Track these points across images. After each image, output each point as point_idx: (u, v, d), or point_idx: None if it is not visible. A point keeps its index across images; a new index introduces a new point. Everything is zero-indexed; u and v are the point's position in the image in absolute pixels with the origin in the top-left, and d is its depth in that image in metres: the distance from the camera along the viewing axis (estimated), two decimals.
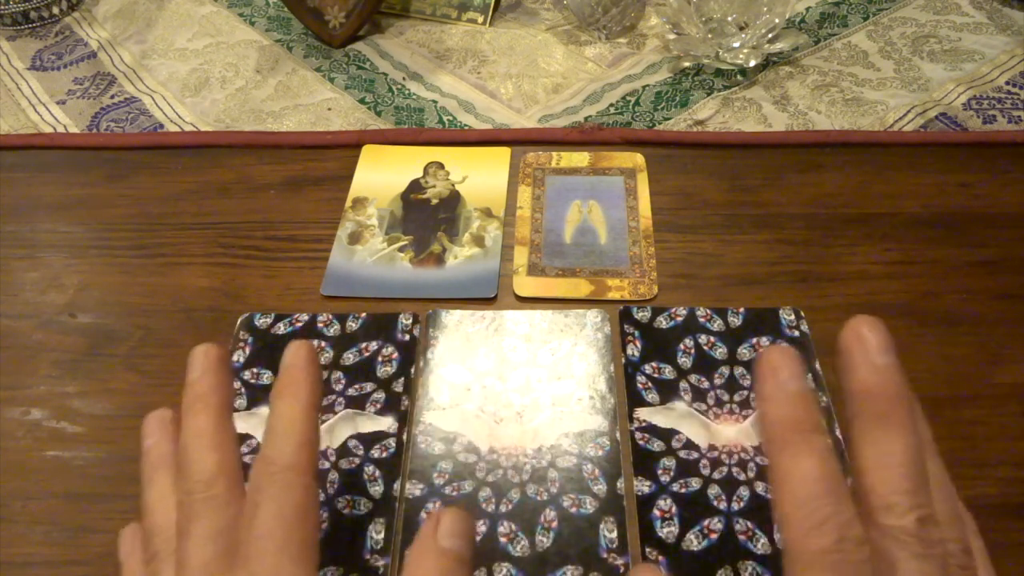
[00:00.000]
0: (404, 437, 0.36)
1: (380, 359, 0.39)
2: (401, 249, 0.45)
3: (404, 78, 0.57)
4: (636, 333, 0.40)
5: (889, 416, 0.22)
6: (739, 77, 0.55)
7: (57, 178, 0.51)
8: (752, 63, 0.54)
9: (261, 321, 0.41)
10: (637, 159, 0.50)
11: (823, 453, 0.22)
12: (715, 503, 0.34)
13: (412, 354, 0.40)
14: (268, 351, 0.40)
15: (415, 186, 0.49)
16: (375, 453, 0.36)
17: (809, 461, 0.21)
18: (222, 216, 0.47)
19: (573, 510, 0.33)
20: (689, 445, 0.36)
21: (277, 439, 0.26)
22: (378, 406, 0.37)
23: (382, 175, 0.50)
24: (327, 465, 0.35)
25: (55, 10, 0.65)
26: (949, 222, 0.45)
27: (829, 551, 0.20)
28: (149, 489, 0.28)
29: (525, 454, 0.36)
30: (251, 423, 0.37)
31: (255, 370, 0.39)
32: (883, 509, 0.21)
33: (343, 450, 0.36)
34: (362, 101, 0.55)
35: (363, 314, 0.41)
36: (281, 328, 0.41)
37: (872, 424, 0.22)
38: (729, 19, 0.55)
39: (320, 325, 0.41)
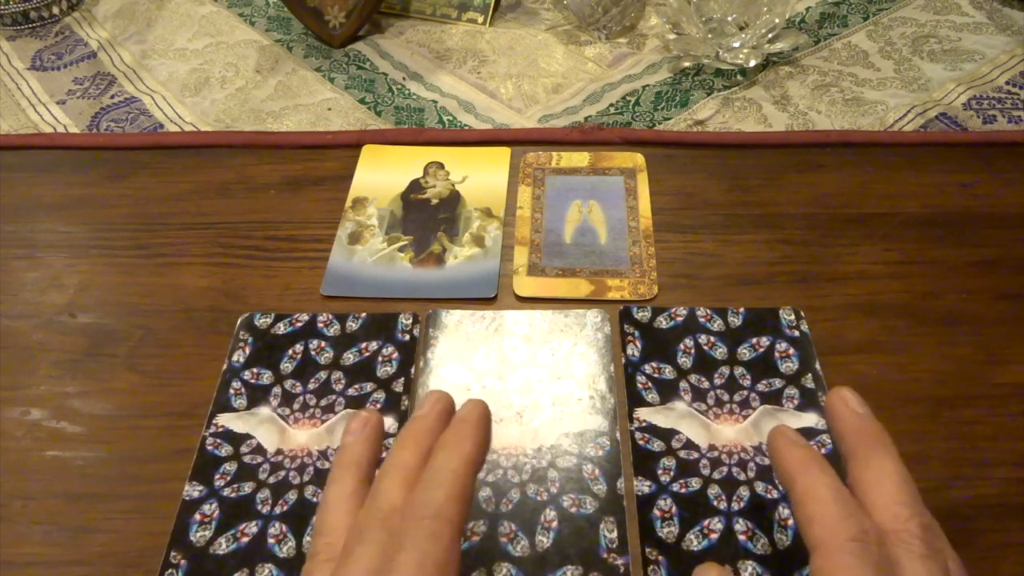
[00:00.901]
0: None
1: (380, 359, 0.39)
2: (401, 249, 0.45)
3: (404, 78, 0.57)
4: (636, 333, 0.40)
5: (877, 445, 0.27)
6: (739, 77, 0.55)
7: (57, 178, 0.51)
8: (752, 63, 0.54)
9: (261, 321, 0.41)
10: (637, 159, 0.50)
11: (836, 477, 0.26)
12: (715, 503, 0.34)
13: (412, 354, 0.40)
14: (268, 351, 0.40)
15: (415, 186, 0.49)
16: None
17: (828, 478, 0.26)
18: (222, 216, 0.47)
19: (573, 510, 0.33)
20: (689, 445, 0.36)
21: (430, 486, 0.25)
22: (378, 406, 0.37)
23: (382, 175, 0.50)
24: (327, 465, 0.35)
25: (55, 10, 0.65)
26: (949, 222, 0.45)
27: (855, 539, 0.23)
28: (333, 486, 0.28)
29: (525, 454, 0.36)
30: (250, 423, 0.37)
31: (255, 370, 0.39)
32: (889, 518, 0.25)
33: None
34: (362, 101, 0.55)
35: (363, 314, 0.41)
36: (281, 328, 0.41)
37: (865, 453, 0.27)
38: (729, 19, 0.55)
39: (320, 325, 0.41)
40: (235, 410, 0.38)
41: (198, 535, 0.33)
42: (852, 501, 0.25)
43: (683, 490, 0.34)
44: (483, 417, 0.28)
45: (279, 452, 0.36)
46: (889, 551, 0.24)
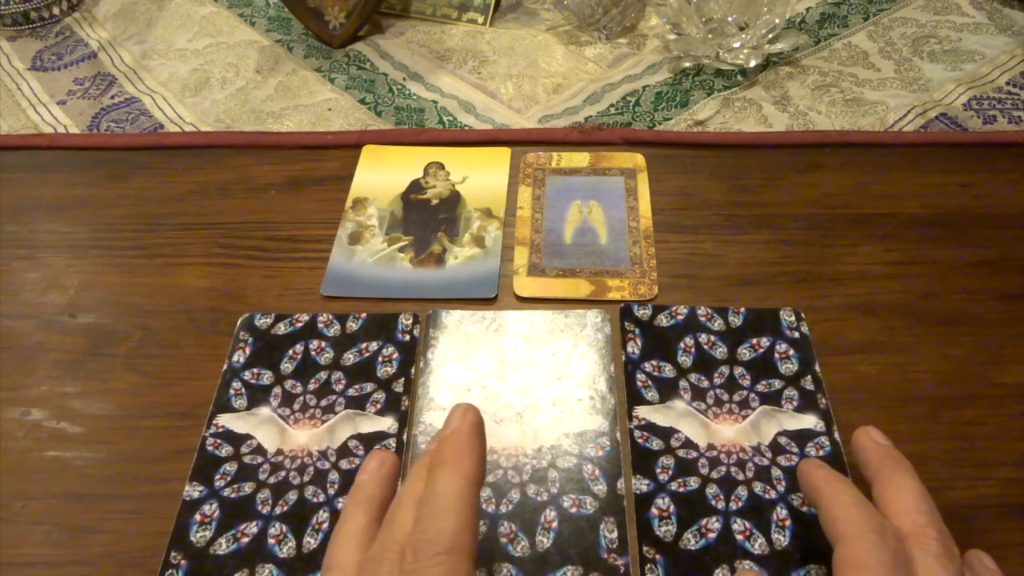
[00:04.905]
0: (404, 437, 0.36)
1: (380, 359, 0.39)
2: (401, 249, 0.45)
3: (404, 78, 0.57)
4: (637, 331, 0.40)
5: (898, 467, 0.29)
6: (739, 77, 0.55)
7: (57, 178, 0.51)
8: (752, 63, 0.54)
9: (261, 321, 0.41)
10: (637, 159, 0.50)
11: (859, 491, 0.28)
12: (713, 502, 0.34)
13: (412, 354, 0.40)
14: (268, 351, 0.40)
15: (415, 186, 0.49)
16: None
17: (851, 488, 0.28)
18: (222, 216, 0.47)
19: (573, 510, 0.33)
20: (688, 444, 0.36)
21: (439, 516, 0.24)
22: (378, 406, 0.37)
23: (382, 175, 0.50)
24: (327, 465, 0.36)
25: (55, 10, 0.65)
26: (949, 222, 0.45)
27: (875, 531, 0.26)
28: (345, 522, 0.27)
29: (525, 454, 0.36)
30: (251, 423, 0.37)
31: (255, 370, 0.39)
32: (908, 524, 0.27)
33: (343, 450, 0.36)
34: (362, 101, 0.55)
35: (363, 314, 0.41)
36: (281, 328, 0.41)
37: (887, 474, 0.29)
38: (729, 19, 0.55)
39: (320, 325, 0.41)
40: (235, 410, 0.38)
41: (198, 535, 0.33)
42: (872, 506, 0.27)
43: (681, 489, 0.34)
44: (477, 425, 0.27)
45: (279, 452, 0.36)
46: (906, 548, 0.26)
